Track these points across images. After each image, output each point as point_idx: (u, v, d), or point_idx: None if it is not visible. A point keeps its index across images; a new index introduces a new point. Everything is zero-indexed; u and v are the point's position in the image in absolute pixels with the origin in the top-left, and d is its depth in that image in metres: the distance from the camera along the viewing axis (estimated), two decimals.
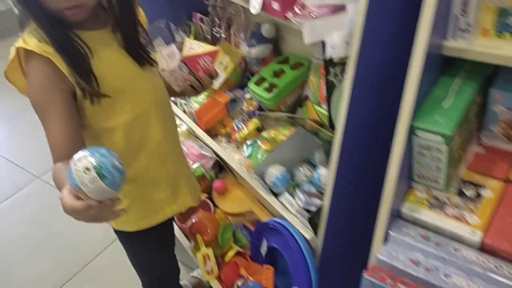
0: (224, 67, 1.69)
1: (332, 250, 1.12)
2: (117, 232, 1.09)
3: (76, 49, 0.85)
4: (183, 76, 1.11)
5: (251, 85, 1.54)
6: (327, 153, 1.35)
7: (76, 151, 0.78)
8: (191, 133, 1.71)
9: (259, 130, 1.53)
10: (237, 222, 1.44)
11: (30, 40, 0.82)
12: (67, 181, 0.64)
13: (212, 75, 1.15)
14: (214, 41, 1.86)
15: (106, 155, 0.64)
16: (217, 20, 1.87)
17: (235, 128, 1.56)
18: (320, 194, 1.20)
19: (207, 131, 1.65)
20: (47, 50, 0.81)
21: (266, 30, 1.60)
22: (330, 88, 1.34)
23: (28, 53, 0.81)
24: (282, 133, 1.41)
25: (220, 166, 1.58)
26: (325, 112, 1.42)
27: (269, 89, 1.50)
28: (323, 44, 1.21)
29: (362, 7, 0.83)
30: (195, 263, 1.59)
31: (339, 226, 1.09)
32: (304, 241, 1.14)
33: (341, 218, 1.08)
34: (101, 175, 0.62)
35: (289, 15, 1.05)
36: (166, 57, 1.13)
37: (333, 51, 0.89)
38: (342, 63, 1.29)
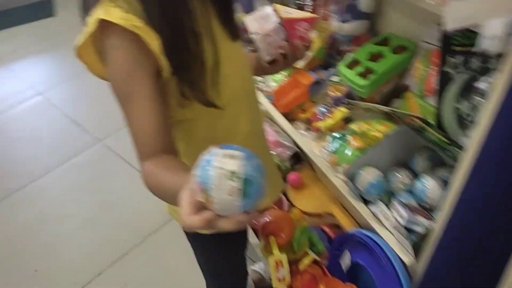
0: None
1: (436, 280, 0.93)
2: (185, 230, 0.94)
3: (189, 31, 0.68)
4: (278, 43, 0.93)
5: (342, 67, 1.33)
6: (431, 159, 1.14)
7: (167, 144, 0.68)
8: (266, 116, 1.54)
9: (346, 120, 1.33)
10: (313, 223, 1.27)
11: (113, 10, 0.65)
12: (181, 179, 0.51)
13: (308, 45, 0.96)
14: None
15: (260, 168, 0.49)
16: None
17: (318, 115, 1.37)
18: (425, 210, 1.00)
19: (285, 114, 1.47)
20: (136, 23, 0.64)
21: (365, 3, 1.37)
22: (445, 81, 1.11)
23: (109, 27, 0.64)
24: (376, 128, 1.21)
25: (297, 156, 1.40)
26: (431, 108, 1.20)
27: (363, 75, 1.28)
28: (438, 26, 0.99)
29: None
30: (257, 256, 1.46)
31: (452, 255, 0.89)
32: (401, 265, 0.96)
33: (456, 246, 0.88)
34: (246, 193, 0.47)
35: None
36: (260, 19, 0.94)
37: (492, 44, 0.67)
38: (467, 52, 1.06)
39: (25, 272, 1.77)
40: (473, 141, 0.77)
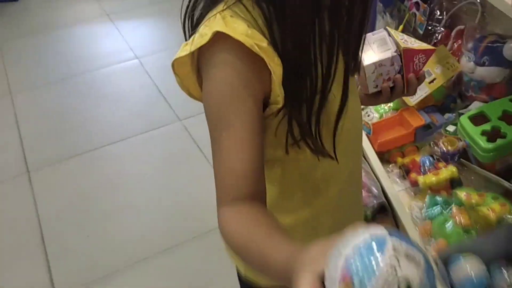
0: (430, 78, 1.28)
1: None
2: (243, 280, 0.81)
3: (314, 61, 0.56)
4: (390, 75, 0.78)
5: (464, 119, 1.11)
6: None
7: (258, 188, 0.56)
8: None
9: (452, 183, 1.12)
10: None
11: (236, 23, 0.53)
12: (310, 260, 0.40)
13: (420, 80, 0.81)
14: (425, 38, 1.43)
15: (435, 284, 0.37)
16: (438, 12, 1.43)
17: (420, 166, 1.17)
18: None
19: (380, 153, 1.28)
20: (262, 43, 0.53)
21: (511, 50, 1.13)
22: None
23: (226, 40, 0.53)
24: (489, 205, 0.99)
25: (382, 205, 1.21)
26: None
27: (490, 135, 1.06)
28: None
29: None
30: None
31: None
32: None
33: None
34: None
35: None
36: (374, 44, 0.79)
37: None
38: None
39: (77, 235, 1.77)
40: None
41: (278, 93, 0.55)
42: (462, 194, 1.03)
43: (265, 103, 0.58)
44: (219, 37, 0.53)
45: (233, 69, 0.54)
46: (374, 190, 1.19)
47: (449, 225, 0.98)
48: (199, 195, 1.86)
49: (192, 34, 0.59)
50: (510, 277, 0.90)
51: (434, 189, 1.12)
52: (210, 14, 0.56)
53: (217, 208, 0.56)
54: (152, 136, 2.24)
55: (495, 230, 0.92)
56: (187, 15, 0.61)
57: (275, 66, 0.53)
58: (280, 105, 0.57)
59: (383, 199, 1.18)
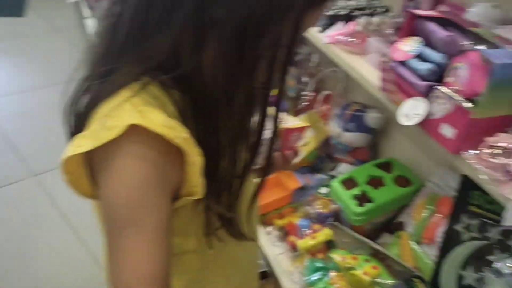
0: (304, 143, 1.33)
1: None
2: None
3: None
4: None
5: (336, 184, 1.17)
6: None
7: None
8: None
9: (328, 244, 1.16)
10: None
11: (153, 112, 0.48)
12: None
13: (296, 155, 0.85)
14: (296, 101, 1.51)
15: None
16: (307, 77, 1.52)
17: (299, 230, 1.19)
18: None
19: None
20: (184, 134, 0.48)
21: (372, 119, 1.25)
22: (452, 239, 0.97)
23: (139, 133, 0.46)
24: (363, 268, 1.04)
25: (264, 272, 1.20)
26: (426, 259, 1.06)
27: (360, 199, 1.13)
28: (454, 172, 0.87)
29: None
30: None
31: None
32: None
33: None
34: None
35: (469, 155, 0.68)
36: None
37: None
38: (485, 217, 0.93)
39: None
40: None
41: (196, 184, 0.51)
42: (338, 257, 1.07)
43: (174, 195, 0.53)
44: (131, 129, 0.46)
45: (149, 164, 0.48)
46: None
47: None
48: (59, 267, 1.64)
49: (78, 126, 0.51)
50: None
51: (312, 252, 1.14)
52: (111, 102, 0.49)
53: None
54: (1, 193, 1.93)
55: None
56: (72, 102, 0.53)
57: (196, 157, 0.49)
58: (197, 196, 0.52)
59: (267, 268, 1.17)
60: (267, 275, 1.19)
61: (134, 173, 0.48)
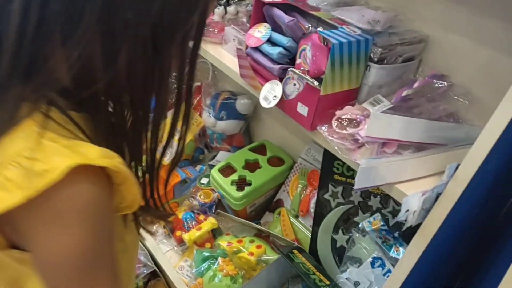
0: (179, 136, 1.33)
1: None
2: None
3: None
4: None
5: (215, 172, 1.19)
6: None
7: None
8: None
9: (214, 232, 1.18)
10: None
11: (84, 147, 0.44)
12: None
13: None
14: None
15: None
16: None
17: (184, 224, 1.19)
18: None
19: None
20: (119, 159, 0.46)
21: (242, 105, 1.29)
22: (322, 208, 1.06)
23: (76, 172, 0.42)
24: (248, 249, 1.08)
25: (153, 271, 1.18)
26: (304, 230, 1.14)
27: (238, 184, 1.17)
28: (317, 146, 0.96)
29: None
30: None
31: None
32: None
33: None
34: None
35: (323, 130, 0.75)
36: None
37: (410, 218, 0.61)
38: (347, 183, 1.03)
39: None
40: None
41: (133, 197, 0.50)
42: (224, 244, 1.10)
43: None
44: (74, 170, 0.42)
45: (99, 203, 0.45)
46: (142, 258, 1.15)
47: (218, 278, 1.02)
48: None
49: None
50: None
51: (199, 243, 1.15)
52: (18, 141, 0.43)
53: None
54: None
55: (257, 273, 1.00)
56: None
57: (128, 174, 0.47)
58: (135, 207, 0.51)
59: (153, 266, 1.15)
60: (157, 275, 1.17)
61: (88, 217, 0.45)
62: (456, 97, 0.75)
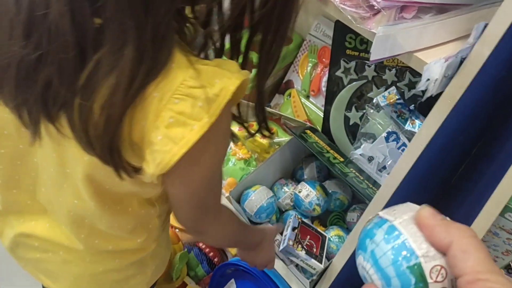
0: None
1: None
2: None
3: None
4: None
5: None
6: (318, 168, 1.06)
7: None
8: None
9: None
10: (188, 240, 1.10)
11: (228, 64, 0.48)
12: None
13: None
14: None
15: None
16: None
17: None
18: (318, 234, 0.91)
19: None
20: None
21: None
22: (334, 86, 1.02)
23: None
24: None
25: None
26: (316, 110, 1.11)
27: (243, 65, 1.11)
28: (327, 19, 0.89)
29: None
30: None
31: None
32: None
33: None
34: None
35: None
36: None
37: (431, 87, 0.56)
38: (360, 57, 0.97)
39: None
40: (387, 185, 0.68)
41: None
42: (235, 129, 1.08)
43: None
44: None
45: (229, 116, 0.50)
46: None
47: (232, 162, 1.03)
48: None
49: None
50: (290, 190, 1.01)
51: None
52: (177, 76, 0.43)
53: (220, 210, 0.62)
54: None
55: (270, 156, 1.00)
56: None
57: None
58: None
59: None
60: None
61: (229, 130, 0.52)
62: None
